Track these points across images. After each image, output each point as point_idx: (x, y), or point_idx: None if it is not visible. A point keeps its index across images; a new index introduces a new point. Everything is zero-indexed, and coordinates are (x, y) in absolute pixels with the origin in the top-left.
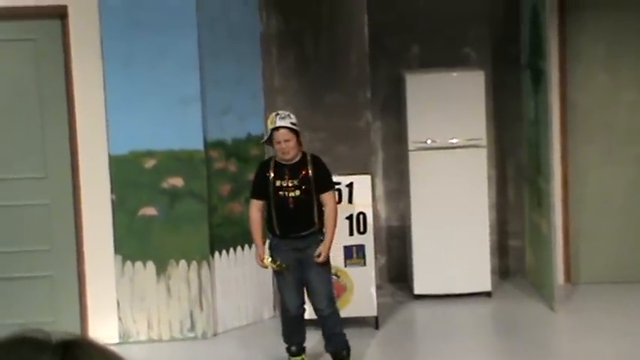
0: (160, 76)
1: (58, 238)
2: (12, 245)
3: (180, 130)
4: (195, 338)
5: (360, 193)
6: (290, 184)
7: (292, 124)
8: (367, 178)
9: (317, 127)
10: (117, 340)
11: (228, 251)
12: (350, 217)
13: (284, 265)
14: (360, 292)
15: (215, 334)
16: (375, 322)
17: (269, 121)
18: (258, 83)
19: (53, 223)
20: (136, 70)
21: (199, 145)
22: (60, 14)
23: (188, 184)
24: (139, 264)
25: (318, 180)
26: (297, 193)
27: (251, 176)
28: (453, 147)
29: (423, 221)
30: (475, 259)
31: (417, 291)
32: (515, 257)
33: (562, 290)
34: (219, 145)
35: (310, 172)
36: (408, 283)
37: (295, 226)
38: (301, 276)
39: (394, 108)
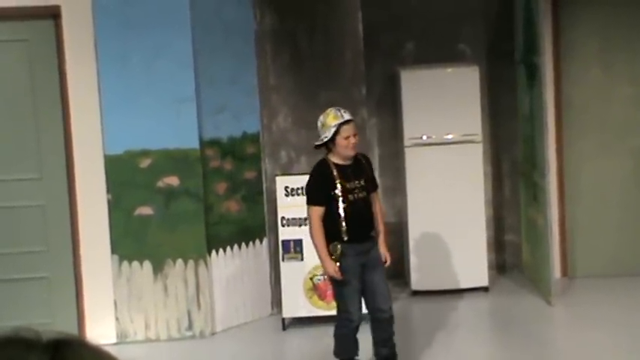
0: (154, 76)
1: (55, 239)
2: (8, 247)
3: (176, 129)
4: (193, 337)
5: None
6: (358, 185)
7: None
8: None
9: (312, 124)
10: (114, 340)
11: (225, 250)
12: None
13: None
14: None
15: (213, 333)
16: None
17: (329, 118)
18: (253, 81)
19: (49, 224)
20: (130, 69)
21: (195, 144)
22: (53, 14)
23: (184, 183)
24: (135, 264)
25: (372, 178)
26: (365, 193)
27: (248, 174)
28: (449, 143)
29: (420, 217)
30: (472, 255)
31: (414, 287)
32: (512, 252)
33: (559, 284)
34: (214, 143)
35: (367, 170)
36: (406, 279)
37: (364, 229)
38: (361, 282)
39: (389, 105)
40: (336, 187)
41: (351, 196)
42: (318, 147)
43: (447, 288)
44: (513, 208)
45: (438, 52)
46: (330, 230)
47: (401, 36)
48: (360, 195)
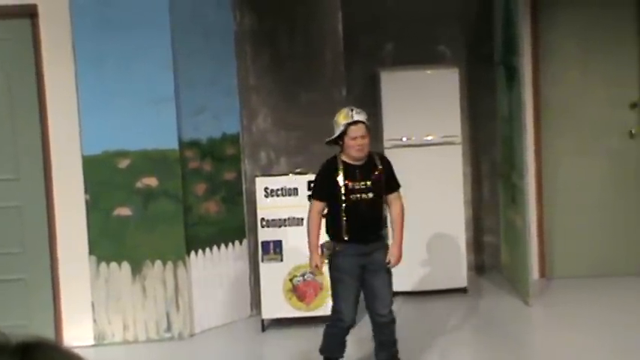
0: (133, 76)
1: (32, 240)
2: None
3: (155, 130)
4: (171, 339)
5: None
6: (363, 186)
7: (367, 120)
8: None
9: (292, 125)
10: (92, 342)
11: (204, 251)
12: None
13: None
14: None
15: (192, 335)
16: None
17: (341, 117)
18: (232, 82)
19: (26, 225)
20: (108, 69)
21: (174, 145)
22: (30, 13)
23: (163, 184)
24: (113, 265)
25: (388, 180)
26: (371, 195)
27: (227, 175)
28: (428, 144)
29: None
30: (451, 256)
31: (393, 288)
32: (491, 253)
33: (537, 285)
34: (193, 144)
35: (381, 171)
36: None
37: (367, 230)
38: (360, 285)
39: (369, 106)
40: (339, 186)
41: (353, 197)
42: (328, 144)
43: (426, 289)
44: (492, 209)
45: (418, 54)
46: (332, 228)
47: (381, 37)
48: (364, 196)
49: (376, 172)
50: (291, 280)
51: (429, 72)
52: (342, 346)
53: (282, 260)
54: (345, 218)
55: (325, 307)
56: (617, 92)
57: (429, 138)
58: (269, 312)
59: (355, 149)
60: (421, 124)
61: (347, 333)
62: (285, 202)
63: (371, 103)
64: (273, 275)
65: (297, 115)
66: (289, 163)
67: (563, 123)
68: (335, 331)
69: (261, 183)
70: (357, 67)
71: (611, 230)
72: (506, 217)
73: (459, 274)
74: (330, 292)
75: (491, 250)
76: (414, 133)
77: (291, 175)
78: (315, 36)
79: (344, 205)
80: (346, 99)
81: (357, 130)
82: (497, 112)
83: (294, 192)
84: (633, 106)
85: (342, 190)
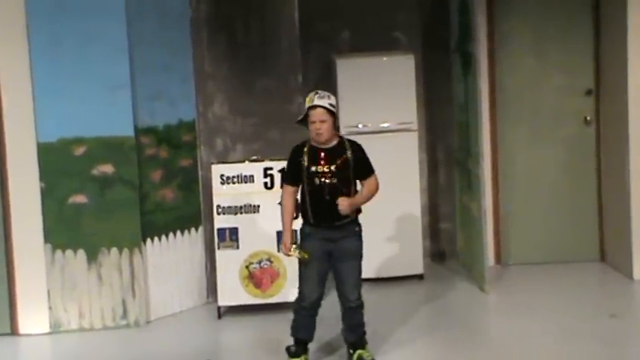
0: (88, 61)
1: None
2: None
3: (110, 117)
4: (127, 326)
5: None
6: (326, 170)
7: (330, 104)
8: None
9: (249, 112)
10: (48, 330)
11: (160, 238)
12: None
13: (307, 257)
14: (293, 277)
15: (148, 322)
16: None
17: (307, 100)
18: (188, 68)
19: None
20: (63, 55)
21: (129, 132)
22: None
23: (118, 171)
24: (69, 252)
25: (359, 166)
26: (334, 180)
27: (183, 162)
28: (384, 131)
29: None
30: (407, 242)
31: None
32: (447, 240)
33: (492, 271)
34: (149, 131)
35: (350, 158)
36: None
37: (330, 214)
38: (326, 269)
39: None
40: (303, 169)
41: (317, 180)
42: (299, 124)
43: (383, 275)
44: (448, 195)
45: (374, 40)
46: (302, 211)
47: (337, 23)
48: (327, 181)
49: (342, 158)
50: (247, 267)
51: (384, 58)
52: (307, 328)
53: (237, 247)
54: (309, 201)
55: (281, 294)
56: (572, 79)
57: (385, 125)
58: (225, 299)
59: (314, 133)
60: (377, 111)
61: (310, 313)
62: (241, 190)
63: (327, 89)
64: (229, 262)
65: (254, 102)
66: (245, 150)
67: (519, 110)
68: (297, 309)
69: (217, 170)
70: (313, 54)
71: (566, 217)
72: (461, 204)
73: (415, 261)
74: (286, 280)
75: (448, 237)
76: (370, 119)
77: (247, 162)
78: (272, 23)
79: (308, 188)
80: (302, 85)
81: (314, 115)
82: (453, 98)
83: (250, 179)
84: (588, 92)
85: (305, 174)
